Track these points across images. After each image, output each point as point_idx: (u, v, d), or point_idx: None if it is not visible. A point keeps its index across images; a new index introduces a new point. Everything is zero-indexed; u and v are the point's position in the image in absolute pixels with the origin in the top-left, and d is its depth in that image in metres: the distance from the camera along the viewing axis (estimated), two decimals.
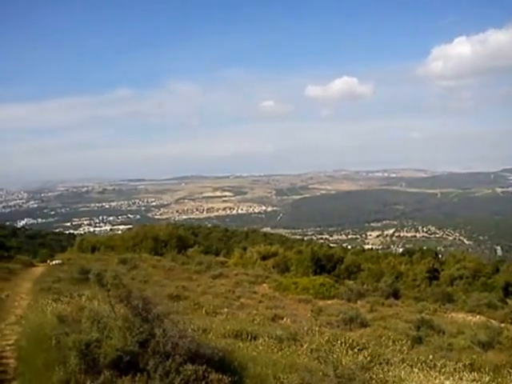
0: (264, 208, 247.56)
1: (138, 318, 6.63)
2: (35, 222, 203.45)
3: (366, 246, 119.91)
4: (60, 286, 16.52)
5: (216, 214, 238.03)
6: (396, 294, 26.71)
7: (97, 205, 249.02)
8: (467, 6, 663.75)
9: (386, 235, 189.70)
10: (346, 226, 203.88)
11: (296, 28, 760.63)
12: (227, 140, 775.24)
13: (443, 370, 9.94)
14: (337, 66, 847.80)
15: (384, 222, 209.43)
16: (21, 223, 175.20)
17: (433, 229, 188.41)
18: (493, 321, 20.82)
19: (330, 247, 59.15)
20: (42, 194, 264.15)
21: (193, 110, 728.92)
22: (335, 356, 8.14)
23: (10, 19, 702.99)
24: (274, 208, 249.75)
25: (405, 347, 11.97)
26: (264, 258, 35.17)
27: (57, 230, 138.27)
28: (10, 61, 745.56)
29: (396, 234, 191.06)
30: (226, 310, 15.92)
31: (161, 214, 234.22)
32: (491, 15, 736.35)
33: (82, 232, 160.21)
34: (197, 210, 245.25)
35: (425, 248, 66.77)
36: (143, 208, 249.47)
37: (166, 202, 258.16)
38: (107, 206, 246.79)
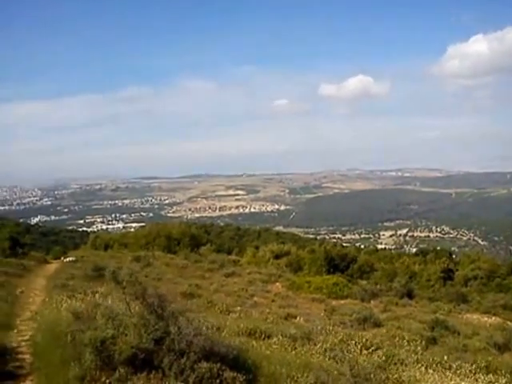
0: (277, 207, 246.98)
1: (154, 315, 6.65)
2: (49, 219, 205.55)
3: (379, 246, 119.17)
4: (74, 283, 16.69)
5: (228, 212, 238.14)
6: (410, 294, 26.52)
7: (110, 202, 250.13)
8: (483, 3, 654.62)
9: (400, 235, 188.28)
10: (359, 226, 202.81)
11: (310, 26, 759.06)
12: (240, 138, 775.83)
13: (458, 372, 9.84)
14: (351, 65, 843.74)
15: (397, 221, 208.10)
16: (34, 220, 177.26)
17: (447, 229, 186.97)
18: (509, 322, 20.58)
19: (343, 247, 58.87)
20: (56, 192, 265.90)
21: (206, 109, 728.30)
22: (351, 355, 8.08)
23: (31, 18, 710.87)
24: (287, 207, 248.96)
25: (419, 348, 11.85)
26: (277, 256, 35.18)
27: (70, 228, 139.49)
28: (25, 59, 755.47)
29: (409, 234, 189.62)
30: (239, 308, 15.92)
31: (173, 212, 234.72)
32: (508, 12, 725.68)
33: (95, 230, 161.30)
34: (209, 208, 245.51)
35: (439, 248, 66.10)
36: (156, 206, 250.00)
37: (178, 200, 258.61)
38: (120, 204, 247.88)
